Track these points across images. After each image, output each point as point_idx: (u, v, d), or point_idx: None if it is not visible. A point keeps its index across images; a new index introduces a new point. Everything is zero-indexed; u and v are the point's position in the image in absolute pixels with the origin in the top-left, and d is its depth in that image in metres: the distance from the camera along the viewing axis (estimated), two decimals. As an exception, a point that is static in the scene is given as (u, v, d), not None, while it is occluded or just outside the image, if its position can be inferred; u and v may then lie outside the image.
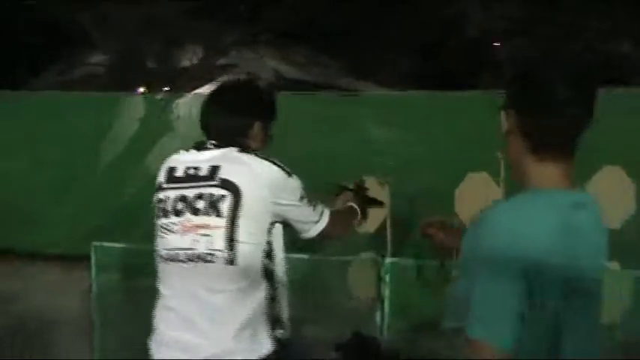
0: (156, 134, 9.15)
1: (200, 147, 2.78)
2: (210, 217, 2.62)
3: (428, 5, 12.33)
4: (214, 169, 2.65)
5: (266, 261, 2.69)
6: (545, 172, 1.92)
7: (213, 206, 2.61)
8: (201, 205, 2.64)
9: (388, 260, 5.87)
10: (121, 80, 11.52)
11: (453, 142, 7.60)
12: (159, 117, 9.12)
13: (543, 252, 1.80)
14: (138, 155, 9.20)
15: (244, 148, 2.73)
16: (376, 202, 3.87)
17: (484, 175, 6.04)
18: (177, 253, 2.68)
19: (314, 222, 2.89)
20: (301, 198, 2.78)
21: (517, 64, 2.12)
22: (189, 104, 9.01)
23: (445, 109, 7.96)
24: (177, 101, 9.09)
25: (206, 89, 12.03)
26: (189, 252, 2.64)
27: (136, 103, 9.75)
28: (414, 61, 15.69)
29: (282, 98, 9.32)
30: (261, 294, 2.67)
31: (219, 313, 2.63)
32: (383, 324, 6.10)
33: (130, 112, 9.39)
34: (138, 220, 7.60)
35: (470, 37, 13.41)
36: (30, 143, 9.09)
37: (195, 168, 2.69)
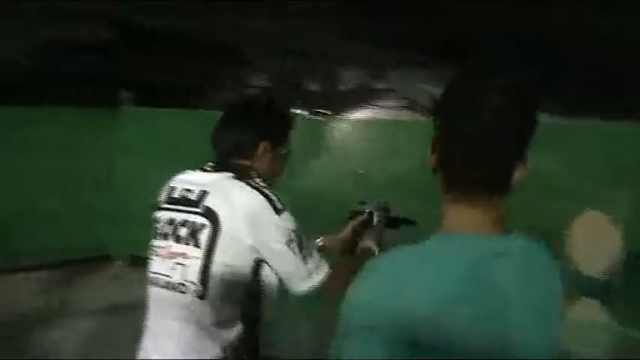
0: (310, 155, 9.24)
1: (203, 169, 2.73)
2: (189, 247, 2.51)
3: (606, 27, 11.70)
4: (202, 195, 2.57)
5: (246, 302, 2.53)
6: (459, 215, 1.58)
7: (193, 235, 2.51)
8: (183, 232, 2.55)
9: None
10: (281, 101, 11.71)
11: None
12: (315, 138, 9.20)
13: (433, 316, 1.46)
14: (292, 174, 9.29)
15: (242, 174, 2.60)
16: (404, 222, 3.41)
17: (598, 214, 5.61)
18: (157, 278, 2.61)
19: (303, 276, 2.56)
20: (289, 242, 2.51)
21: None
22: (343, 127, 9.05)
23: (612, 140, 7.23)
24: (332, 124, 9.15)
25: (362, 113, 12.08)
26: (166, 279, 2.56)
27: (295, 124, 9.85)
28: (584, 86, 14.97)
29: (424, 123, 9.22)
30: (232, 333, 2.51)
31: (188, 346, 2.50)
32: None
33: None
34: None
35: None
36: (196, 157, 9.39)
37: (189, 191, 2.62)
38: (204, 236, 2.49)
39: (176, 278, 2.52)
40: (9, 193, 8.74)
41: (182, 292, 2.51)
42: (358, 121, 9.43)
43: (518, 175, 1.59)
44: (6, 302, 7.54)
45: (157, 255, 2.63)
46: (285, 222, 2.53)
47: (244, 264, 2.49)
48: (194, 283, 2.49)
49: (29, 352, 6.31)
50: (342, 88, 13.18)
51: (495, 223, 1.59)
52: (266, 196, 2.53)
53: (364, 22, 11.97)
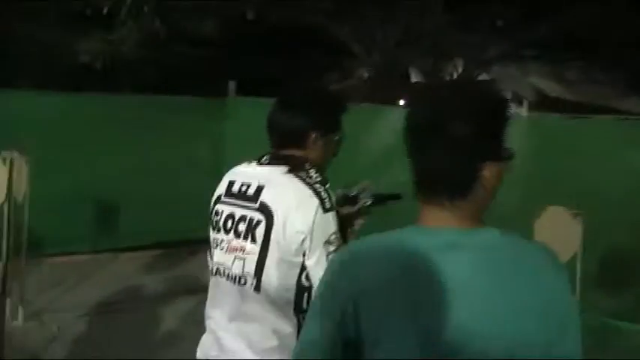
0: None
1: (259, 161, 2.71)
2: (247, 242, 2.58)
3: None
4: (259, 190, 2.61)
5: (299, 296, 2.54)
6: (428, 213, 1.61)
7: (251, 231, 2.57)
8: (242, 227, 2.61)
9: None
10: (382, 92, 11.80)
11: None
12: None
13: (371, 294, 1.56)
14: (395, 164, 9.37)
15: (297, 167, 2.59)
16: (390, 197, 3.20)
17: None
18: (220, 269, 2.68)
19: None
20: (327, 243, 2.49)
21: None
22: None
23: None
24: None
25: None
26: (229, 270, 2.63)
27: (396, 115, 9.93)
28: None
29: (530, 118, 9.05)
30: (289, 328, 2.55)
31: (245, 338, 2.59)
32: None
33: (391, 123, 9.59)
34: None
35: None
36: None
37: (248, 185, 2.66)
38: (259, 232, 2.56)
39: (237, 271, 2.61)
40: (122, 177, 9.12)
41: (242, 285, 2.60)
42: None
43: (491, 173, 1.59)
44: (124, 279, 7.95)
45: (218, 246, 2.71)
46: (329, 222, 2.52)
47: (296, 258, 2.52)
48: (251, 276, 2.57)
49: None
50: (446, 79, 13.12)
51: (462, 219, 1.60)
52: (318, 194, 2.53)
53: (472, 14, 11.93)
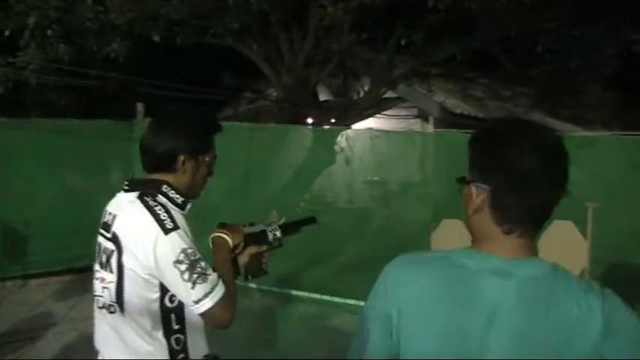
0: (320, 165, 9.42)
1: (123, 187, 2.70)
2: (106, 272, 2.59)
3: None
4: (113, 219, 2.60)
5: (166, 318, 2.57)
6: (496, 238, 1.75)
7: (108, 261, 2.58)
8: (104, 258, 2.61)
9: None
10: (291, 112, 11.90)
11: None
12: (328, 148, 9.34)
13: (418, 307, 1.72)
14: (304, 183, 9.55)
15: (152, 190, 2.59)
16: (304, 223, 3.18)
17: (569, 223, 5.88)
18: (97, 299, 2.70)
19: (192, 299, 2.47)
20: (176, 262, 2.45)
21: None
22: (352, 137, 9.20)
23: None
24: (342, 134, 9.29)
25: (370, 122, 12.21)
26: (102, 300, 2.64)
27: (304, 134, 10.08)
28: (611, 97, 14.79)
29: (436, 134, 9.33)
30: (159, 343, 2.58)
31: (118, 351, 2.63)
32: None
33: (298, 142, 9.73)
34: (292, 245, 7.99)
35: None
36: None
37: (110, 214, 2.65)
38: (114, 262, 2.56)
39: (107, 300, 2.62)
40: (32, 203, 8.98)
41: (112, 313, 2.61)
42: (369, 130, 9.58)
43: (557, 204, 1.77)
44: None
45: (95, 277, 2.71)
46: (174, 241, 2.46)
47: (151, 283, 2.52)
48: (116, 304, 2.59)
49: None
50: (353, 97, 13.31)
51: (520, 248, 1.73)
52: (156, 215, 2.49)
53: (376, 33, 12.17)
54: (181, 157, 2.65)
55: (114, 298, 2.58)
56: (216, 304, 2.48)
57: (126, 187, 2.67)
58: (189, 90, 10.53)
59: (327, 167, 9.41)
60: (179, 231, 2.48)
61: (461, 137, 8.66)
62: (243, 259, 2.89)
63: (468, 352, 1.64)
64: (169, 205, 2.60)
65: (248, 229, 2.92)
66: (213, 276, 2.51)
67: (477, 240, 1.79)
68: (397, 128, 11.16)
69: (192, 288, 2.44)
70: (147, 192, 2.60)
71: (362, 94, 13.06)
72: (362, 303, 7.24)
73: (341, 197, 9.40)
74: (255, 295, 8.57)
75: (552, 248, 6.08)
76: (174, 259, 2.44)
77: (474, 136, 1.84)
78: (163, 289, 2.54)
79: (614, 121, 14.72)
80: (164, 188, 2.63)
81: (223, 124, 2.90)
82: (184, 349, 2.63)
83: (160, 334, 2.58)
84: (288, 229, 3.07)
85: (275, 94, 13.21)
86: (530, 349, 1.63)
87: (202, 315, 2.50)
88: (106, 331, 2.67)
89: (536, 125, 1.79)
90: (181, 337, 2.63)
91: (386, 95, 12.80)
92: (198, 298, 2.46)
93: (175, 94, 10.38)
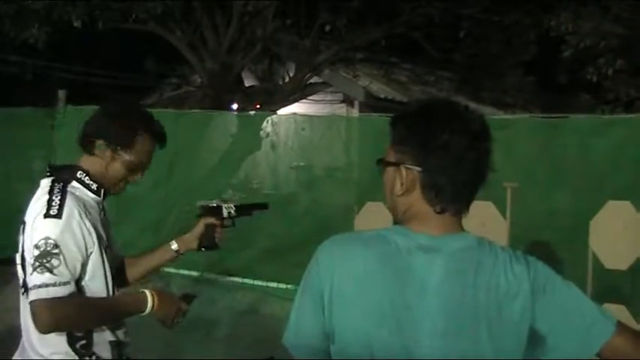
0: (245, 151, 9.40)
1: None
2: (17, 255, 2.56)
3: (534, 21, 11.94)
4: (29, 205, 2.58)
5: None
6: (421, 218, 1.79)
7: (19, 243, 2.54)
8: (20, 241, 2.56)
9: None
10: (216, 97, 11.84)
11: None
12: (253, 133, 9.32)
13: (345, 291, 1.74)
14: (229, 169, 9.52)
15: (65, 175, 2.59)
16: (256, 207, 3.33)
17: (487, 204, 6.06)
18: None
19: (29, 283, 2.40)
20: (35, 246, 2.40)
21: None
22: (277, 122, 9.21)
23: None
24: (266, 119, 9.28)
25: (296, 107, 12.23)
26: (20, 282, 2.57)
27: (229, 119, 10.04)
28: (528, 81, 15.09)
29: (360, 119, 9.43)
30: (58, 335, 2.52)
31: (31, 340, 2.58)
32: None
33: (223, 128, 9.68)
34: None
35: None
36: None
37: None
38: (20, 245, 2.53)
39: (20, 282, 2.56)
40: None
41: (22, 294, 2.55)
42: (294, 115, 9.61)
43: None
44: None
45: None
46: (47, 227, 2.42)
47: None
48: (21, 287, 2.55)
49: None
50: (278, 82, 13.29)
51: (450, 225, 1.78)
52: (49, 200, 2.47)
53: (300, 18, 12.21)
54: (99, 142, 2.64)
55: (21, 281, 2.54)
56: (41, 301, 2.36)
57: (47, 173, 2.64)
58: (110, 76, 10.38)
59: (253, 153, 9.40)
60: (58, 220, 2.43)
61: (385, 121, 8.72)
62: (198, 229, 2.97)
63: (403, 327, 1.68)
64: (83, 191, 2.61)
65: (204, 202, 3.02)
66: (58, 277, 2.38)
67: (406, 219, 1.81)
68: (322, 113, 11.19)
69: (31, 274, 2.38)
70: (61, 177, 2.58)
71: (287, 79, 13.06)
72: (287, 286, 7.38)
73: (267, 182, 9.40)
74: (180, 283, 8.55)
75: (472, 229, 6.31)
76: (35, 242, 2.40)
77: (400, 117, 1.87)
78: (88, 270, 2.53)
79: (532, 105, 15.09)
80: (78, 174, 2.62)
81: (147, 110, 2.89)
82: (86, 336, 2.58)
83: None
84: (242, 210, 3.15)
85: (199, 79, 13.11)
86: (462, 319, 1.68)
87: (30, 307, 2.40)
88: (20, 311, 2.64)
89: (463, 107, 1.83)
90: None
91: (311, 80, 12.84)
92: (29, 286, 2.39)
93: (97, 80, 10.21)
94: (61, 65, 10.36)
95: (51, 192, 2.50)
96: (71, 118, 9.33)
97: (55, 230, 2.41)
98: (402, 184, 1.79)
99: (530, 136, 7.53)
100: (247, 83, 13.36)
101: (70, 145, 9.06)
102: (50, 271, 2.37)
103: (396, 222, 1.86)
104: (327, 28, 11.46)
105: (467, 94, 14.27)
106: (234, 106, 12.03)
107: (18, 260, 2.56)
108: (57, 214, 2.43)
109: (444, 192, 1.75)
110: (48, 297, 2.35)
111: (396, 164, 1.80)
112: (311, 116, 9.63)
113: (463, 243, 1.76)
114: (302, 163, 9.15)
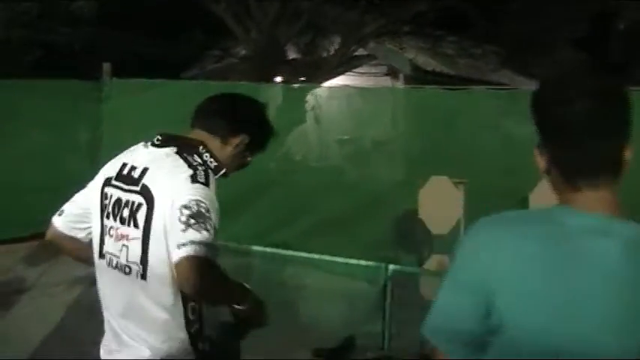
0: (290, 124, 9.34)
1: (153, 142, 2.62)
2: (130, 228, 2.46)
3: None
4: (143, 172, 2.50)
5: None
6: (581, 198, 1.63)
7: (133, 216, 2.45)
8: (126, 213, 2.48)
9: (391, 267, 5.82)
10: (261, 70, 11.77)
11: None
12: (297, 107, 9.24)
13: (515, 278, 1.57)
14: (275, 142, 9.40)
15: (188, 148, 2.55)
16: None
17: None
18: (110, 258, 2.55)
19: (176, 241, 2.28)
20: (183, 207, 2.32)
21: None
22: (324, 95, 9.11)
23: None
24: (312, 92, 9.19)
25: (340, 81, 12.13)
26: (116, 259, 2.50)
27: (274, 92, 9.96)
28: (576, 53, 14.81)
29: (407, 91, 9.32)
30: (174, 317, 2.45)
31: (137, 327, 2.49)
32: (385, 333, 6.11)
33: (268, 101, 9.57)
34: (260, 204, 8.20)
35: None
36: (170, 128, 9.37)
37: (134, 168, 2.54)
38: (141, 216, 2.43)
39: (123, 260, 2.48)
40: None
41: (128, 274, 2.47)
42: (337, 88, 9.49)
43: (627, 155, 1.66)
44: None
45: (107, 234, 2.56)
46: (194, 190, 2.38)
47: (176, 239, 2.33)
48: (136, 264, 2.44)
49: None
50: (323, 55, 13.19)
51: (613, 207, 1.64)
52: (193, 167, 2.45)
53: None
54: (241, 137, 2.70)
55: (136, 258, 2.43)
56: (197, 258, 2.24)
57: (157, 142, 2.60)
58: (155, 45, 10.33)
59: (298, 126, 9.32)
60: (207, 188, 2.41)
61: (433, 94, 8.64)
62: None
63: (580, 318, 1.55)
64: (204, 165, 2.55)
65: None
66: (208, 237, 2.29)
67: (562, 199, 1.69)
68: (367, 85, 11.09)
69: (184, 230, 2.27)
70: (184, 149, 2.55)
71: (332, 52, 12.95)
72: (335, 259, 7.24)
73: (312, 156, 9.33)
74: (227, 254, 8.51)
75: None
76: (184, 203, 2.33)
77: (531, 100, 1.75)
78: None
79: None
80: (201, 149, 2.59)
81: (191, 82, 2.89)
82: (199, 319, 2.52)
83: (177, 300, 2.44)
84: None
85: (243, 52, 13.05)
86: (635, 312, 1.56)
87: (176, 266, 2.28)
88: (117, 294, 2.55)
89: (588, 75, 1.71)
90: (196, 305, 2.50)
91: (356, 53, 12.72)
92: (183, 242, 2.25)
93: (141, 50, 10.17)
94: (109, 36, 10.34)
95: (190, 164, 2.47)
96: (117, 91, 9.34)
97: (206, 197, 2.38)
98: (540, 166, 1.72)
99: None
100: (291, 56, 13.28)
101: (118, 118, 9.15)
102: (207, 230, 2.30)
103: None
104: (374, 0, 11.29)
105: (514, 68, 14.04)
106: (279, 79, 11.96)
107: (135, 234, 2.45)
108: (205, 183, 2.42)
109: (572, 167, 1.65)
110: (206, 255, 2.26)
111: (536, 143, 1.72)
112: (358, 88, 9.52)
113: (633, 231, 1.61)
114: (347, 137, 9.06)
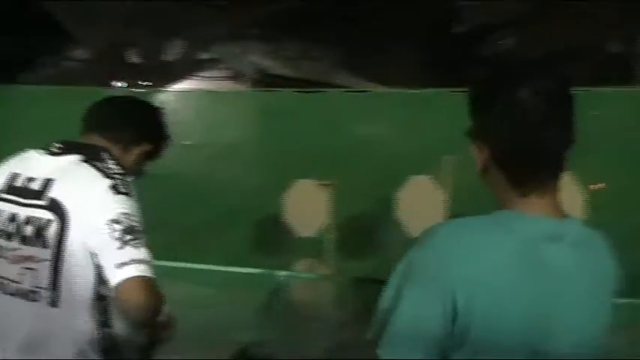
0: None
1: (48, 149, 2.32)
2: (35, 248, 2.17)
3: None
4: (47, 184, 2.21)
5: (100, 306, 2.20)
6: (526, 201, 1.59)
7: (40, 234, 2.17)
8: (29, 231, 2.19)
9: (282, 273, 5.89)
10: (102, 74, 11.49)
11: (439, 139, 6.96)
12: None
13: (482, 284, 1.51)
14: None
15: (94, 155, 2.28)
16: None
17: (426, 179, 6.12)
18: (5, 284, 2.24)
19: (114, 262, 2.09)
20: (112, 221, 2.11)
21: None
22: (167, 99, 8.98)
23: (439, 106, 7.47)
24: (154, 96, 9.03)
25: (185, 85, 12.03)
26: (14, 285, 2.20)
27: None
28: (415, 55, 15.27)
29: (254, 94, 9.27)
30: (88, 342, 2.20)
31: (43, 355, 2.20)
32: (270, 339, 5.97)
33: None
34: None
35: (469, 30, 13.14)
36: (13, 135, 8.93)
37: (32, 179, 2.24)
38: (51, 234, 2.16)
39: (27, 285, 2.18)
40: None
41: (32, 301, 2.18)
42: (183, 92, 9.39)
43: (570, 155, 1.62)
44: None
45: (2, 257, 2.25)
46: (119, 202, 2.16)
47: (90, 262, 2.16)
48: (46, 289, 2.16)
49: None
50: (166, 59, 13.02)
51: (556, 208, 1.60)
52: (111, 177, 2.21)
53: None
54: (144, 144, 2.47)
55: (44, 282, 2.16)
56: (143, 279, 2.08)
57: (56, 150, 2.29)
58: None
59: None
60: (131, 199, 2.20)
61: (277, 97, 8.70)
62: None
63: (548, 317, 1.55)
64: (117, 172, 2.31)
65: None
66: (147, 254, 2.13)
67: (504, 201, 1.63)
68: (212, 89, 11.06)
69: (121, 248, 2.08)
70: (90, 156, 2.27)
71: (177, 56, 12.82)
72: (184, 265, 7.02)
73: (159, 163, 9.14)
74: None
75: (412, 204, 6.18)
76: (112, 217, 2.12)
77: (470, 86, 1.69)
78: (99, 269, 2.16)
79: (418, 80, 15.36)
80: (107, 156, 2.32)
81: (26, 87, 2.71)
82: (115, 345, 2.28)
83: (93, 327, 2.21)
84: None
85: (84, 55, 12.68)
86: (590, 310, 1.60)
87: (118, 287, 2.07)
88: (14, 325, 2.23)
89: (539, 74, 1.63)
90: (113, 331, 2.26)
91: (201, 57, 12.65)
92: (124, 261, 2.07)
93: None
94: None
95: (102, 171, 2.22)
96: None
97: (132, 209, 2.18)
98: (479, 163, 1.63)
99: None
100: (135, 59, 13.02)
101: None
102: (144, 247, 2.13)
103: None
104: (218, 2, 11.27)
105: (353, 69, 14.37)
106: (119, 84, 11.68)
107: (44, 255, 2.17)
108: (128, 193, 2.20)
109: (516, 166, 1.59)
110: (147, 274, 2.09)
111: (472, 141, 1.64)
112: (204, 92, 9.46)
113: (581, 230, 1.62)
114: (194, 142, 8.95)
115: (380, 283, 1.67)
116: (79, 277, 2.16)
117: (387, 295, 1.60)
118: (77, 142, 2.36)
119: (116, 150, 2.37)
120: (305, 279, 5.98)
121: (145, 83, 11.59)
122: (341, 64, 14.77)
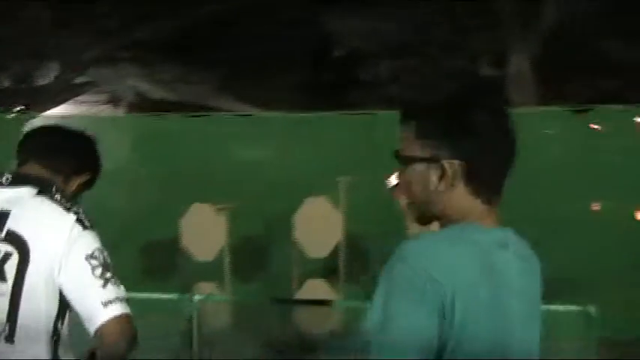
0: (6, 157, 8.80)
1: None
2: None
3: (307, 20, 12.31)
4: (3, 217, 2.19)
5: (56, 336, 2.20)
6: (479, 212, 1.69)
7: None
8: None
9: (196, 298, 5.98)
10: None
11: (322, 163, 7.34)
12: (12, 137, 8.74)
13: (462, 293, 1.57)
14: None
15: (46, 188, 2.28)
16: None
17: (322, 199, 6.25)
18: None
19: (98, 301, 2.11)
20: (89, 257, 2.14)
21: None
22: (40, 124, 8.71)
23: (320, 129, 7.68)
24: (30, 121, 8.76)
25: (62, 109, 11.73)
26: None
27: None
28: (295, 78, 15.44)
29: (133, 118, 9.17)
30: None
31: None
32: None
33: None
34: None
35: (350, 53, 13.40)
36: None
37: None
38: (10, 268, 2.13)
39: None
40: None
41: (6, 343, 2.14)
42: (60, 117, 9.16)
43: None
44: None
45: None
46: (90, 238, 2.18)
47: (50, 297, 2.16)
48: (3, 323, 2.13)
49: None
50: (39, 83, 12.69)
51: (497, 217, 1.71)
52: (73, 211, 2.21)
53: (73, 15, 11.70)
54: (84, 174, 2.47)
55: (1, 316, 2.13)
56: (126, 315, 2.13)
57: (7, 181, 2.26)
58: None
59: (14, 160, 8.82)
60: (95, 234, 2.22)
61: (156, 121, 8.66)
62: None
63: (506, 323, 1.65)
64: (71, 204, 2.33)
65: None
66: (121, 290, 2.19)
67: (452, 215, 1.69)
68: (89, 113, 10.85)
69: (104, 286, 2.11)
70: (45, 189, 2.26)
71: (51, 78, 12.50)
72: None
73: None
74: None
75: (308, 224, 6.23)
76: (89, 252, 2.14)
77: (424, 108, 1.73)
78: (62, 305, 2.17)
79: (296, 103, 15.56)
80: (54, 187, 2.31)
81: None
82: None
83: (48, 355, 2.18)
84: None
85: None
86: (534, 316, 1.73)
87: (107, 325, 2.09)
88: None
89: (488, 88, 1.78)
90: None
91: (78, 80, 12.40)
92: (109, 300, 2.11)
93: None
94: None
95: (63, 204, 2.23)
96: None
97: (99, 244, 2.21)
98: (440, 180, 1.66)
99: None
100: (7, 83, 12.61)
101: None
102: (118, 283, 2.18)
103: (423, 218, 1.77)
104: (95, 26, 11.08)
105: (231, 93, 14.42)
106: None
107: (1, 289, 2.14)
108: (92, 227, 2.22)
109: (487, 181, 1.68)
110: (128, 311, 2.15)
111: (432, 159, 1.67)
112: (79, 117, 9.28)
113: (515, 237, 1.74)
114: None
115: (283, 302, 1.74)
116: (37, 312, 2.15)
117: (375, 315, 1.60)
118: (25, 173, 2.33)
119: (57, 180, 2.37)
120: (210, 301, 5.96)
121: (18, 108, 11.22)
122: (220, 87, 14.78)
